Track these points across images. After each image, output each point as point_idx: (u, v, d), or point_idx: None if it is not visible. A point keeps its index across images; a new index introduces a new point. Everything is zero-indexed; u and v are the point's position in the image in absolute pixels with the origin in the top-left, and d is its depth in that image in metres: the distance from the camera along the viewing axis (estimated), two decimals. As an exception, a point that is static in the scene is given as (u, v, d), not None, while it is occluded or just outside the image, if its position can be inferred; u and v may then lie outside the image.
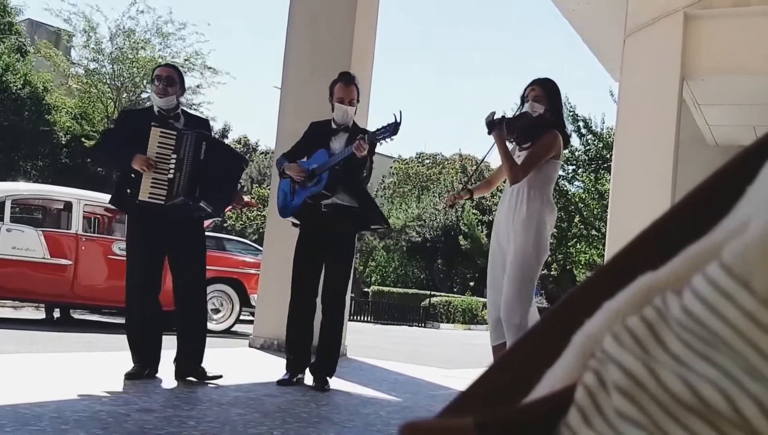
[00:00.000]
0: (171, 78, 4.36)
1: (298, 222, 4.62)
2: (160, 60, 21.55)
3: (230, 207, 4.69)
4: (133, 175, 4.20)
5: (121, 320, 9.99)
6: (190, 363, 4.39)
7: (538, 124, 3.92)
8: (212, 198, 4.30)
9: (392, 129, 4.22)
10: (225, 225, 28.36)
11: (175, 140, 4.24)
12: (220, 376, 4.39)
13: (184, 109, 4.56)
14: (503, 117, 3.95)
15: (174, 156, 4.21)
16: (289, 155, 4.67)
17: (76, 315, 10.48)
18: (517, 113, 3.97)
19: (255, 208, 26.98)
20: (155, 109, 4.39)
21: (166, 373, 4.36)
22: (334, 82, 4.60)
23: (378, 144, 4.36)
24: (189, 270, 4.39)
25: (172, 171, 4.19)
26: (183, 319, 4.43)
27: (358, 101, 4.62)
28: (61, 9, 21.89)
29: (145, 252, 4.28)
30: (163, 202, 4.18)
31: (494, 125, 3.85)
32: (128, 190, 4.24)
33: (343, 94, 4.53)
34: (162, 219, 4.25)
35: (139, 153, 4.14)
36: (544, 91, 3.97)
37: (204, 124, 4.63)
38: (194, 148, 4.22)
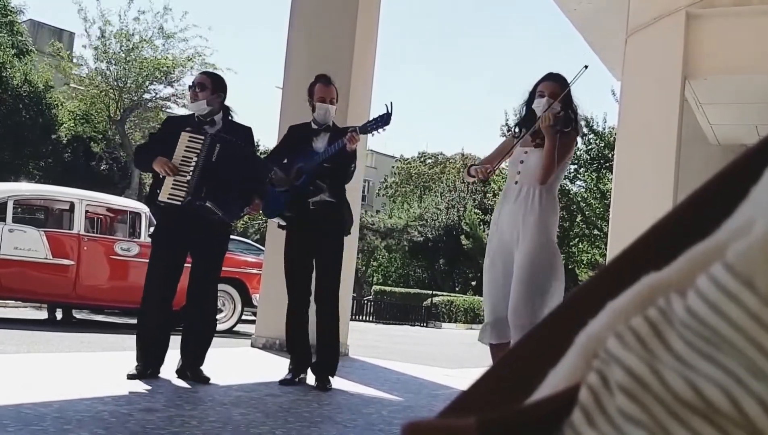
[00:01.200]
0: (202, 83, 4.46)
1: (284, 223, 4.63)
2: (163, 61, 21.59)
3: (245, 213, 4.67)
4: (161, 177, 4.30)
5: (122, 320, 10.01)
6: (193, 362, 4.40)
7: (559, 123, 3.82)
8: (221, 200, 4.30)
9: (384, 120, 4.24)
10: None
11: (201, 144, 4.30)
12: (208, 379, 4.38)
13: (230, 116, 4.55)
14: (561, 114, 3.77)
15: (195, 159, 4.28)
16: (270, 159, 4.69)
17: (79, 315, 10.48)
18: (549, 110, 3.75)
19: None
20: (195, 115, 4.50)
21: (169, 372, 4.37)
22: (313, 83, 4.64)
23: (370, 135, 4.38)
24: (205, 274, 4.44)
25: (191, 173, 4.26)
26: (193, 319, 4.45)
27: (336, 101, 4.64)
28: (81, 7, 21.70)
29: (167, 253, 4.35)
30: (180, 203, 4.25)
31: (559, 121, 3.69)
32: (157, 191, 4.34)
33: (324, 93, 4.57)
34: (186, 221, 4.31)
35: (167, 156, 4.25)
36: (561, 87, 3.82)
37: (244, 130, 4.58)
38: (208, 151, 4.28)
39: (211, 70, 22.37)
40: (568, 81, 3.87)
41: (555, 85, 3.83)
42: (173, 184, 4.26)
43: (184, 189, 4.25)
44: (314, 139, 4.55)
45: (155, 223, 4.50)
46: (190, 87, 4.54)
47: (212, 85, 4.47)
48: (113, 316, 10.78)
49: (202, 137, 4.31)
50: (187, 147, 4.30)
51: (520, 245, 3.75)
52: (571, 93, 3.89)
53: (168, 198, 4.25)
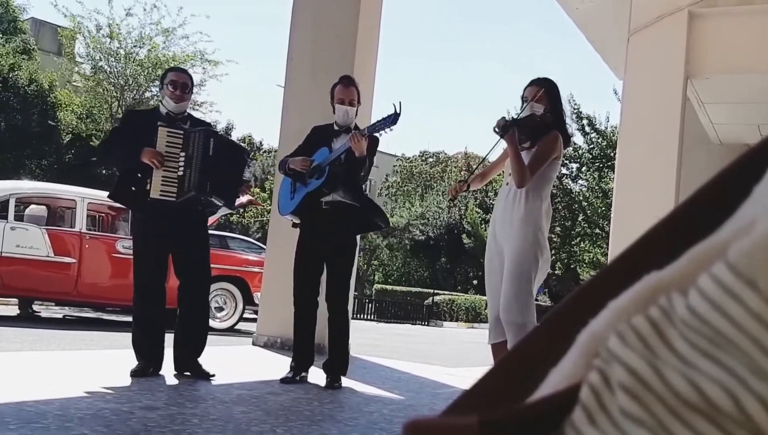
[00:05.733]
0: (186, 84, 4.52)
1: (298, 221, 4.65)
2: (164, 59, 21.54)
3: (240, 199, 4.76)
4: (139, 175, 4.29)
5: (123, 318, 10.00)
6: (189, 357, 4.42)
7: (539, 125, 3.93)
8: (224, 192, 4.43)
9: (391, 120, 4.25)
10: (230, 221, 28.37)
11: (182, 139, 4.35)
12: (213, 375, 4.39)
13: (190, 112, 4.69)
14: (513, 120, 3.94)
15: (183, 154, 4.32)
16: (291, 157, 4.71)
17: (80, 313, 10.48)
18: (524, 114, 3.95)
19: (260, 207, 27.00)
20: (163, 110, 4.50)
21: (170, 370, 4.38)
22: (335, 85, 4.68)
23: (378, 135, 4.39)
24: (193, 266, 4.45)
25: (181, 168, 4.30)
26: (186, 315, 4.48)
27: (359, 102, 4.66)
28: (65, 6, 21.71)
29: (152, 249, 4.36)
30: (174, 199, 4.29)
31: (507, 129, 3.84)
32: (132, 188, 4.30)
33: (343, 95, 4.60)
34: (168, 216, 4.32)
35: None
36: (544, 90, 3.95)
37: (207, 126, 4.74)
38: (203, 145, 4.34)
39: (213, 60, 22.39)
40: (553, 84, 4.01)
41: (536, 89, 3.96)
42: (163, 181, 4.28)
43: (175, 184, 4.29)
44: (334, 140, 4.58)
45: (136, 218, 4.55)
46: (169, 84, 4.45)
47: (191, 85, 4.61)
48: (114, 314, 10.78)
49: (181, 132, 4.37)
50: (168, 142, 4.33)
51: (507, 245, 3.85)
52: (559, 93, 4.02)
53: (160, 195, 4.28)
